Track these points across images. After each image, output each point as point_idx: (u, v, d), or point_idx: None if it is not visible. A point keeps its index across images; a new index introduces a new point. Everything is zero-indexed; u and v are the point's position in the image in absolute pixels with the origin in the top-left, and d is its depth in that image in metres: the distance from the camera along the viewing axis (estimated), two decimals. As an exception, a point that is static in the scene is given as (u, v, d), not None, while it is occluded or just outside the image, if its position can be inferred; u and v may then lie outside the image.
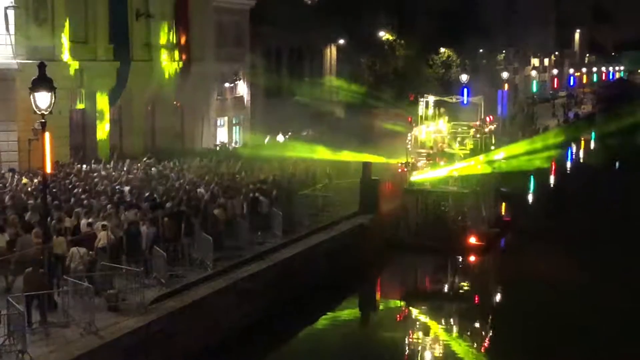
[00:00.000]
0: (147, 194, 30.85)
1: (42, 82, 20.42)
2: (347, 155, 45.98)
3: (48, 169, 22.06)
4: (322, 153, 45.71)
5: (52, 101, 20.47)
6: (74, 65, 39.86)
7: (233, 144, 53.32)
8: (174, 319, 22.23)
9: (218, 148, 49.55)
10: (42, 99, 20.36)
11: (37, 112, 20.52)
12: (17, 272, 22.49)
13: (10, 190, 30.62)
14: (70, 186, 31.75)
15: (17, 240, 23.31)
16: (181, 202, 29.41)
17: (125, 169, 37.12)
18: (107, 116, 42.97)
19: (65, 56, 39.34)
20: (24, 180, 32.90)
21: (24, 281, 20.85)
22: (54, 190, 30.23)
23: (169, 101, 48.56)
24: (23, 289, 20.62)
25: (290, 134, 54.36)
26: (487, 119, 41.37)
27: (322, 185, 38.07)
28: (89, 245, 23.57)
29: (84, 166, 37.43)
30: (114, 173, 35.82)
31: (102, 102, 42.57)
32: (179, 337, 22.40)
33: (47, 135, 20.84)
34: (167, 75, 47.31)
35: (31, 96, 20.44)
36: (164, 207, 28.33)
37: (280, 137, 52.65)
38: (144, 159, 39.89)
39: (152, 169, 37.52)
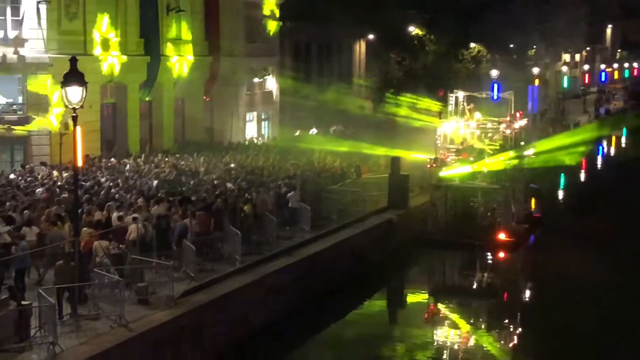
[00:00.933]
0: (177, 188, 31.03)
1: (74, 76, 20.56)
2: (376, 150, 46.05)
3: (79, 163, 22.20)
4: (350, 148, 45.82)
5: (83, 95, 20.61)
6: (105, 59, 40.12)
7: (261, 139, 53.42)
8: (202, 313, 22.34)
9: (247, 143, 49.69)
10: (74, 93, 20.51)
11: (69, 106, 20.68)
12: (48, 265, 22.76)
13: (42, 184, 30.88)
14: (101, 180, 32.00)
15: (47, 234, 23.55)
16: (211, 196, 29.55)
17: (155, 163, 37.32)
18: (137, 111, 43.25)
19: (97, 51, 39.61)
20: (55, 173, 33.19)
21: (55, 274, 21.07)
22: (85, 183, 30.49)
23: (199, 96, 48.77)
24: (54, 281, 20.84)
25: (317, 129, 54.50)
26: (517, 114, 41.11)
27: (351, 180, 38.06)
28: (119, 239, 23.75)
29: (114, 160, 37.71)
30: (144, 167, 36.02)
31: (133, 96, 42.85)
32: (207, 331, 22.52)
33: (78, 129, 20.99)
34: (197, 71, 47.47)
35: (63, 90, 20.61)
36: (193, 202, 28.48)
37: (313, 131, 53.10)
38: (174, 154, 40.11)
39: (182, 163, 37.71)
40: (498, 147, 37.17)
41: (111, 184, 31.06)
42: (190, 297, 22.73)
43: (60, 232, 23.78)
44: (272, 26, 54.92)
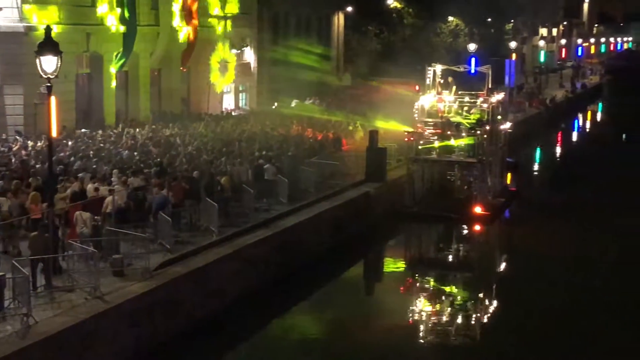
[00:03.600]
0: (153, 160, 30.86)
1: (49, 46, 20.30)
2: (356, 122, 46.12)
3: (54, 133, 21.96)
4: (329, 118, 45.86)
5: (58, 65, 20.37)
6: (80, 29, 39.65)
7: (239, 110, 53.23)
8: (178, 285, 22.26)
9: (224, 114, 49.50)
10: (48, 63, 20.25)
11: (43, 76, 20.43)
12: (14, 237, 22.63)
13: (16, 154, 30.61)
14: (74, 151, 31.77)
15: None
16: (187, 168, 29.40)
17: (131, 134, 37.08)
18: (113, 81, 42.87)
19: (72, 20, 39.13)
20: (30, 143, 32.90)
21: (29, 245, 20.91)
22: (60, 154, 30.25)
23: (176, 67, 48.40)
24: (28, 253, 20.69)
25: (296, 101, 54.40)
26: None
27: (329, 153, 38.02)
28: (94, 211, 23.58)
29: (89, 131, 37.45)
30: (121, 138, 35.77)
31: (108, 67, 42.46)
32: (183, 303, 22.46)
33: (52, 99, 20.75)
34: (173, 41, 47.06)
35: (37, 60, 20.34)
36: (169, 173, 28.32)
37: (293, 103, 53.29)
38: (150, 125, 39.85)
39: (159, 134, 37.49)
40: (475, 121, 37.16)
41: (85, 154, 30.84)
42: (167, 269, 22.63)
43: (17, 202, 23.60)
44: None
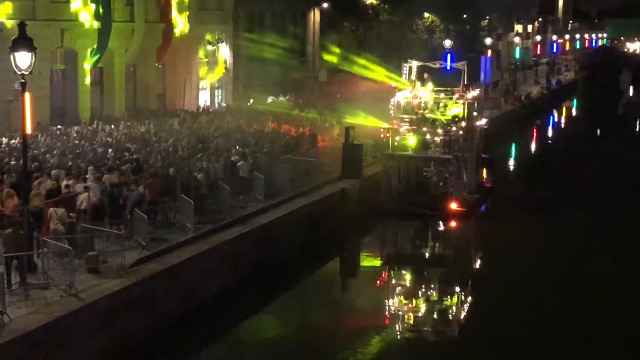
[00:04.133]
0: (129, 156, 30.73)
1: (23, 41, 20.17)
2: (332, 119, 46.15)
3: (28, 130, 21.82)
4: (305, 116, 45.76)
5: (32, 61, 20.23)
6: (55, 25, 39.38)
7: (215, 106, 53.12)
8: (154, 282, 22.20)
9: (200, 110, 49.38)
10: (23, 59, 20.12)
11: (17, 72, 20.29)
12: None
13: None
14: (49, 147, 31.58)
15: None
16: (163, 165, 29.30)
17: (106, 130, 36.90)
18: (87, 77, 42.61)
19: (46, 16, 38.86)
20: (4, 140, 32.67)
21: (3, 242, 20.77)
22: (34, 151, 30.06)
23: (151, 63, 48.20)
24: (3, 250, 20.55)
25: (272, 98, 54.40)
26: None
27: (305, 149, 38.02)
28: (69, 207, 23.44)
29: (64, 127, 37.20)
30: (96, 134, 35.59)
31: (83, 63, 42.19)
32: (158, 300, 22.40)
33: (27, 95, 20.61)
34: (149, 37, 46.87)
35: (11, 56, 20.20)
36: (145, 170, 28.21)
37: (269, 100, 53.32)
38: (126, 121, 39.68)
39: (134, 131, 37.34)
40: (450, 118, 37.30)
41: (59, 151, 30.66)
42: (142, 266, 22.56)
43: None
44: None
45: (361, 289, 29.03)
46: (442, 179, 37.38)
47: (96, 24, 41.76)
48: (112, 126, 38.49)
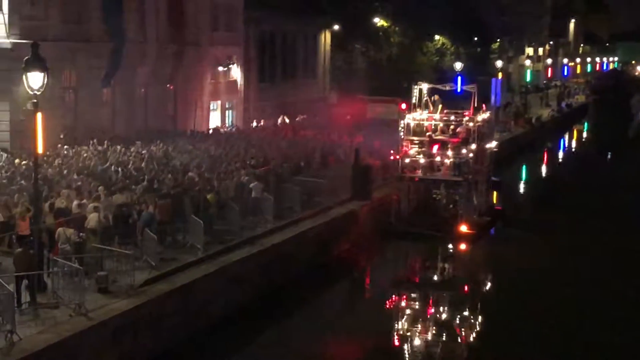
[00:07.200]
0: (139, 177, 30.81)
1: (35, 62, 20.32)
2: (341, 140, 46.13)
3: (40, 150, 21.94)
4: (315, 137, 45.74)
5: (45, 81, 20.37)
6: (68, 45, 39.65)
7: (226, 128, 53.29)
8: (163, 302, 22.22)
9: (211, 132, 49.53)
10: (35, 79, 20.27)
11: (30, 92, 20.43)
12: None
13: (7, 172, 30.54)
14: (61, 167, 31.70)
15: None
16: (173, 185, 29.38)
17: (117, 151, 37.02)
18: (100, 98, 42.81)
19: (59, 36, 39.13)
20: (17, 160, 32.79)
21: (14, 261, 20.83)
22: (48, 170, 30.21)
23: (163, 84, 48.42)
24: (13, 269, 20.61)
25: (283, 119, 54.60)
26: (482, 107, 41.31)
27: (315, 170, 38.05)
28: (79, 227, 23.52)
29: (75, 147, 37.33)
30: (106, 154, 35.71)
31: (95, 83, 42.41)
32: (167, 320, 22.42)
33: (39, 115, 20.73)
34: (161, 58, 47.09)
35: (24, 76, 20.34)
36: (155, 190, 28.29)
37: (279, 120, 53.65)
38: (137, 142, 39.80)
39: (144, 151, 37.45)
40: (461, 140, 37.30)
41: (70, 171, 30.77)
42: (151, 286, 22.59)
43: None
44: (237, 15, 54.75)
45: (370, 311, 28.91)
46: (452, 201, 37.34)
47: (109, 45, 42.02)
48: (123, 146, 38.58)
